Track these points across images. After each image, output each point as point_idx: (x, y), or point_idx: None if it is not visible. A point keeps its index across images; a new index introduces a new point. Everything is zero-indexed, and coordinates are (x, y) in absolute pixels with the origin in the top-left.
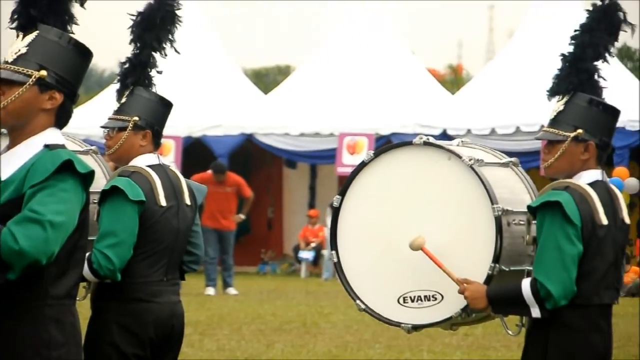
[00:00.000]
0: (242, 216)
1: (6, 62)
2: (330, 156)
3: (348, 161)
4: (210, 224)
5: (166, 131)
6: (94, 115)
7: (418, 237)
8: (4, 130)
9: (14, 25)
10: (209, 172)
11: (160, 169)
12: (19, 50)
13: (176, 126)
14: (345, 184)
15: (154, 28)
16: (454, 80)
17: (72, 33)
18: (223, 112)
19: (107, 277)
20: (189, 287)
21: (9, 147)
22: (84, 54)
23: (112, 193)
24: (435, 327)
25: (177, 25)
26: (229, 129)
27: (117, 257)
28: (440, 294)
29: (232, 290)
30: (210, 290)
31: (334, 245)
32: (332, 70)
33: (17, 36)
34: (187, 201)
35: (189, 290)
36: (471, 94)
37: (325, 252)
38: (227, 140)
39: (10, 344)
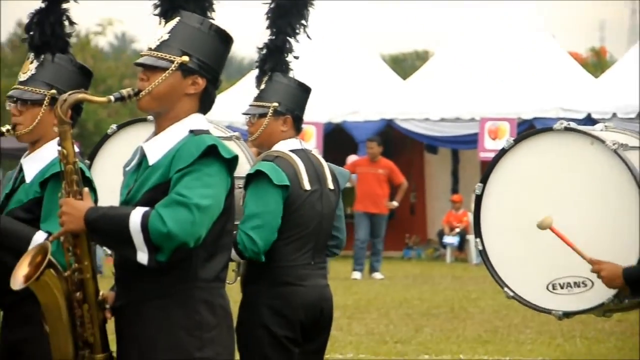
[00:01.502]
0: (395, 203)
1: (150, 49)
2: (471, 141)
3: (490, 146)
4: (361, 208)
5: (307, 117)
6: (235, 102)
7: (547, 217)
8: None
9: (157, 11)
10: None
11: (302, 153)
12: (162, 37)
13: (317, 112)
14: (486, 171)
15: (287, 14)
16: (596, 63)
17: (212, 19)
18: (362, 98)
19: (252, 258)
20: (335, 270)
21: (155, 133)
22: (224, 39)
23: (256, 177)
24: (587, 314)
25: (309, 10)
26: (369, 115)
27: (261, 239)
28: (591, 280)
29: (378, 275)
30: (357, 275)
31: (478, 233)
32: (471, 55)
33: (160, 23)
34: (330, 185)
35: (336, 274)
36: (616, 77)
37: (471, 238)
38: (368, 126)
39: (165, 326)
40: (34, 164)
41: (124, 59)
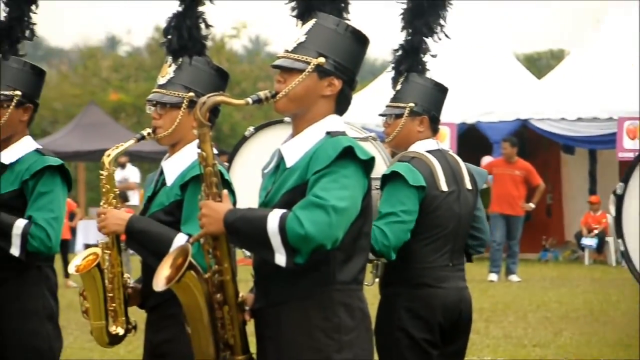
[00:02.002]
0: (532, 205)
1: (286, 51)
2: (609, 141)
3: (629, 146)
4: (497, 209)
5: (441, 118)
6: (369, 103)
7: None
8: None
9: (293, 13)
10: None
11: (439, 154)
12: (298, 39)
13: (450, 113)
14: (627, 171)
15: (424, 14)
16: None
17: (348, 20)
18: (497, 98)
19: (382, 254)
20: (470, 273)
21: (292, 135)
22: (361, 40)
23: (392, 178)
24: None
25: (447, 10)
26: (504, 115)
27: (393, 235)
28: None
29: (514, 277)
30: (493, 277)
31: (619, 233)
32: (608, 53)
33: (296, 24)
34: (468, 185)
35: (471, 276)
36: None
37: (610, 239)
38: (502, 126)
39: (304, 328)
40: (174, 167)
41: (258, 61)
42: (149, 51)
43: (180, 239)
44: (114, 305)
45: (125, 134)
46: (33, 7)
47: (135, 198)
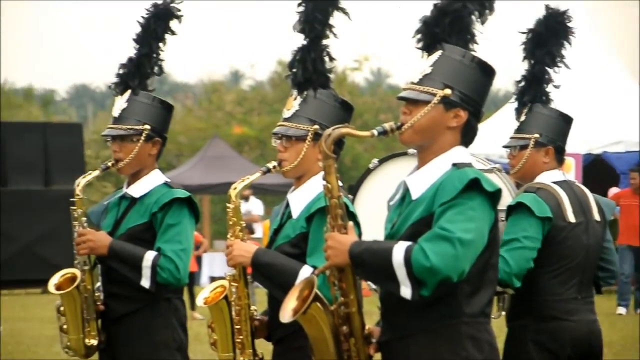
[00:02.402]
0: None
1: (412, 83)
2: None
3: None
4: (625, 241)
5: (565, 148)
6: (491, 134)
7: None
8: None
9: (419, 45)
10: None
11: (566, 185)
12: (424, 70)
13: (575, 143)
14: None
15: (546, 43)
16: None
17: (474, 51)
18: (623, 128)
19: (504, 281)
20: (599, 306)
21: (417, 167)
22: (487, 71)
23: (517, 208)
24: None
25: (569, 39)
26: (631, 145)
27: (514, 261)
28: None
29: None
30: (622, 310)
31: None
32: None
33: (421, 56)
34: (596, 217)
35: (599, 309)
36: None
37: None
38: (629, 156)
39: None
40: (299, 199)
41: (380, 93)
42: (272, 84)
43: (305, 271)
44: (241, 337)
45: (248, 166)
46: (161, 44)
47: (258, 230)
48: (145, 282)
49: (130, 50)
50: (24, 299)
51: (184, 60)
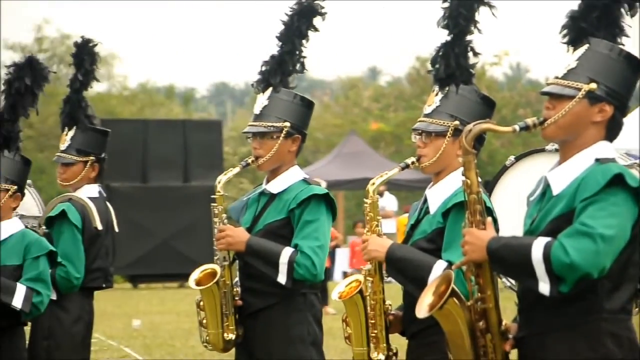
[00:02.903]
0: None
1: (557, 77)
2: None
3: None
4: None
5: None
6: (633, 128)
7: None
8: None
9: (565, 40)
10: None
11: None
12: (569, 65)
13: None
14: None
15: None
16: None
17: (622, 45)
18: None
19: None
20: None
21: (559, 162)
22: (635, 65)
23: None
24: None
25: None
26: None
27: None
28: None
29: None
30: None
31: None
32: None
33: (567, 50)
34: None
35: None
36: None
37: None
38: None
39: (570, 358)
40: (437, 195)
41: (518, 88)
42: (409, 80)
43: (439, 266)
44: (375, 331)
45: (384, 163)
46: (304, 42)
47: (392, 226)
48: (282, 278)
49: (270, 48)
50: (162, 293)
51: (321, 57)
